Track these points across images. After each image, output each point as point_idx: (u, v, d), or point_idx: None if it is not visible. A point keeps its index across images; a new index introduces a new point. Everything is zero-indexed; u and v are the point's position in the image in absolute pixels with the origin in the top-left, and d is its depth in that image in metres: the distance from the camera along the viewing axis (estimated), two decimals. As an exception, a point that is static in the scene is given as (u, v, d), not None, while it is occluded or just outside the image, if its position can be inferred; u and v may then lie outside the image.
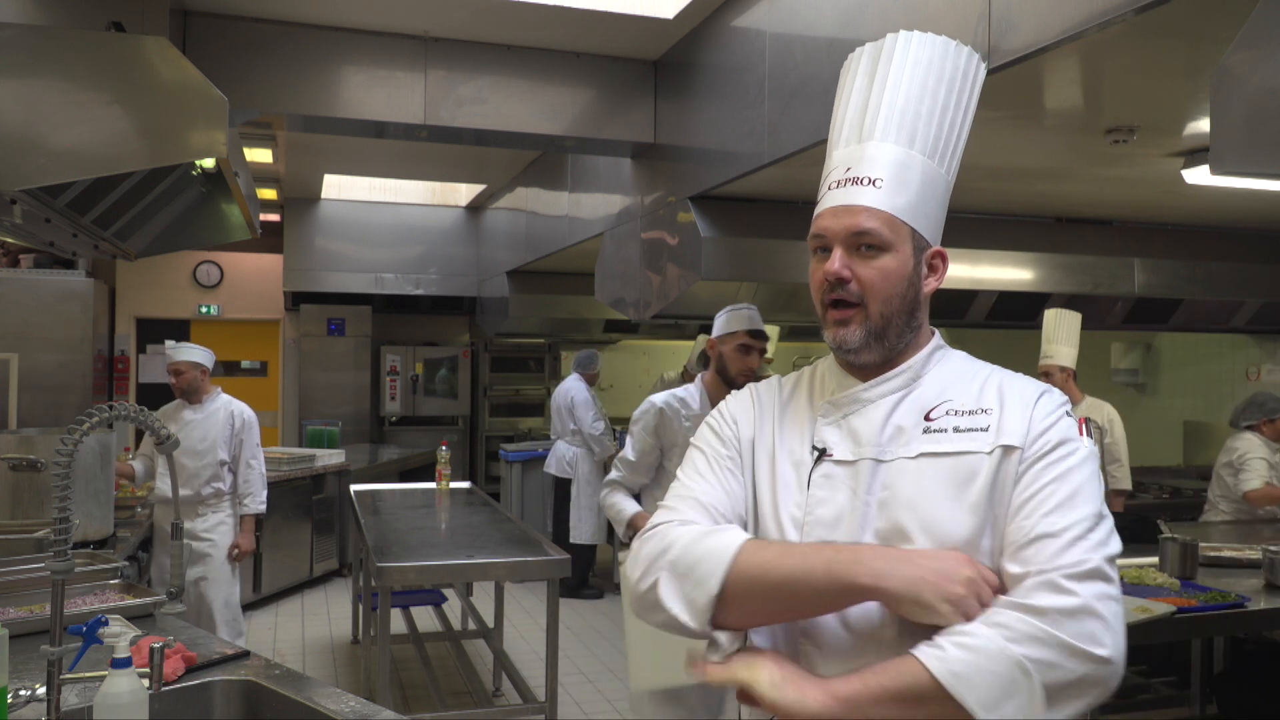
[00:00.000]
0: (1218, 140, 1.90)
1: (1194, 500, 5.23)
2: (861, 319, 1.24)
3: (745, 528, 1.29)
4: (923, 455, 1.21)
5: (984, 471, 1.18)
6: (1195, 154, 3.75)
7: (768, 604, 1.17)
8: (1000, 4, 2.58)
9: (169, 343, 4.42)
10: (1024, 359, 3.61)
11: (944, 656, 1.06)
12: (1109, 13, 2.25)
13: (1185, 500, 5.22)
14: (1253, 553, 3.46)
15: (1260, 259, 5.69)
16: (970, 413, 1.22)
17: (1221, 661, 4.27)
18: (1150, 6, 2.15)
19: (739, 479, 1.31)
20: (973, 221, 5.24)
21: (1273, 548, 3.24)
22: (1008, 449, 1.18)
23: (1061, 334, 4.46)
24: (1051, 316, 4.54)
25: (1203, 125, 3.37)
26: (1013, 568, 1.12)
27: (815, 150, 3.54)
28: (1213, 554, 3.51)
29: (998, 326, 5.64)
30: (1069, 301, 5.46)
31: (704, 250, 4.56)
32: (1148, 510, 4.86)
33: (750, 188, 4.45)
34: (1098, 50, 2.56)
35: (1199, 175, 3.81)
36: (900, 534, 1.18)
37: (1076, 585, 1.08)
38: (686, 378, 7.32)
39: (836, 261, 1.24)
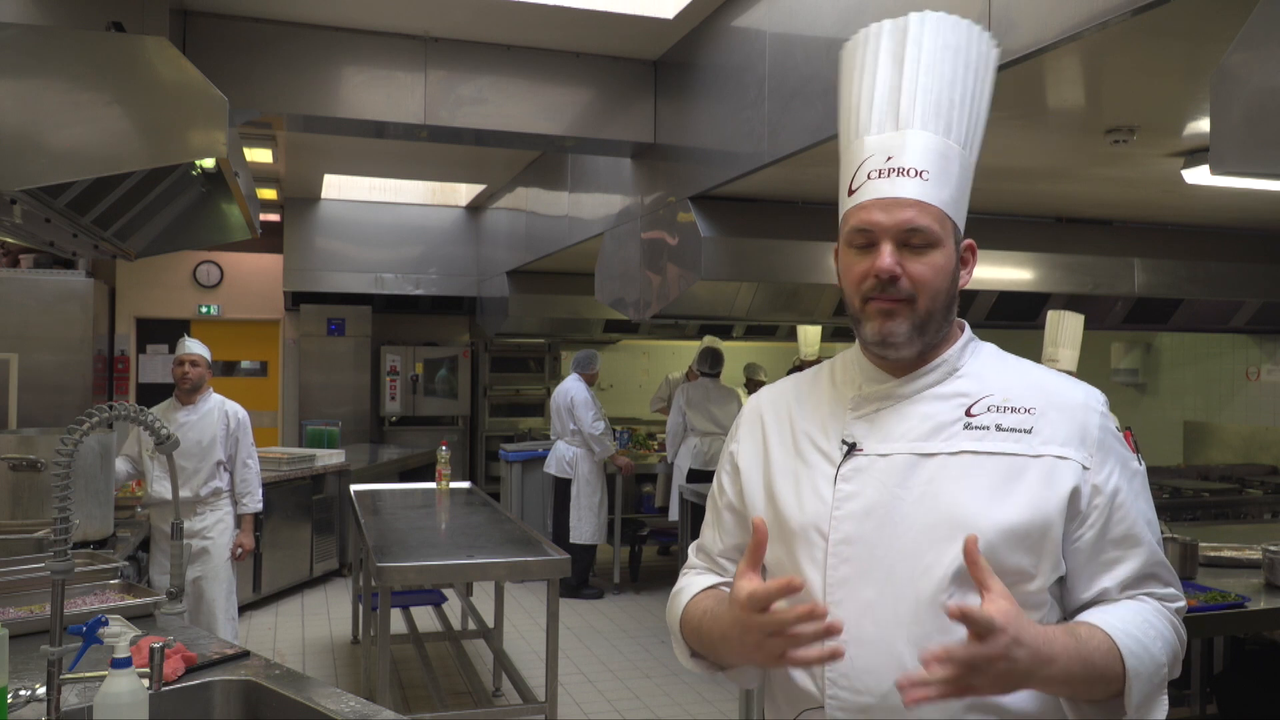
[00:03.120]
0: (1218, 140, 1.90)
1: (1194, 500, 5.22)
2: (908, 313, 1.21)
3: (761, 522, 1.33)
4: (965, 453, 1.20)
5: (1031, 472, 1.18)
6: (1195, 154, 3.74)
7: (715, 655, 1.29)
8: (1000, 4, 2.57)
9: (186, 338, 4.42)
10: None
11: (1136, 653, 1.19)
12: (1109, 13, 2.24)
13: (1185, 500, 5.20)
14: (1253, 553, 3.46)
15: (1260, 259, 5.69)
16: (1013, 410, 1.22)
17: (1221, 661, 4.27)
18: (1150, 6, 2.15)
19: (737, 518, 1.37)
20: (973, 221, 5.13)
21: (1272, 548, 3.24)
22: (1060, 459, 1.19)
23: (1065, 337, 4.43)
24: (1054, 318, 4.50)
25: (1203, 125, 3.36)
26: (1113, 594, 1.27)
27: (815, 150, 3.53)
28: (1213, 554, 3.51)
29: (998, 326, 5.63)
30: (1069, 301, 5.45)
31: (704, 250, 4.56)
32: (1147, 510, 4.84)
33: (750, 188, 4.45)
34: (1098, 50, 2.56)
35: (1199, 175, 3.81)
36: (945, 529, 1.17)
37: (1176, 620, 1.33)
38: (691, 378, 7.33)
39: (888, 258, 1.20)
